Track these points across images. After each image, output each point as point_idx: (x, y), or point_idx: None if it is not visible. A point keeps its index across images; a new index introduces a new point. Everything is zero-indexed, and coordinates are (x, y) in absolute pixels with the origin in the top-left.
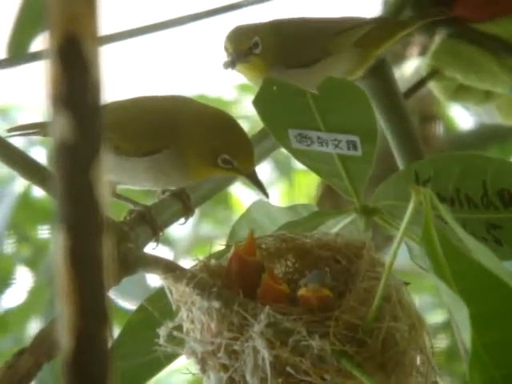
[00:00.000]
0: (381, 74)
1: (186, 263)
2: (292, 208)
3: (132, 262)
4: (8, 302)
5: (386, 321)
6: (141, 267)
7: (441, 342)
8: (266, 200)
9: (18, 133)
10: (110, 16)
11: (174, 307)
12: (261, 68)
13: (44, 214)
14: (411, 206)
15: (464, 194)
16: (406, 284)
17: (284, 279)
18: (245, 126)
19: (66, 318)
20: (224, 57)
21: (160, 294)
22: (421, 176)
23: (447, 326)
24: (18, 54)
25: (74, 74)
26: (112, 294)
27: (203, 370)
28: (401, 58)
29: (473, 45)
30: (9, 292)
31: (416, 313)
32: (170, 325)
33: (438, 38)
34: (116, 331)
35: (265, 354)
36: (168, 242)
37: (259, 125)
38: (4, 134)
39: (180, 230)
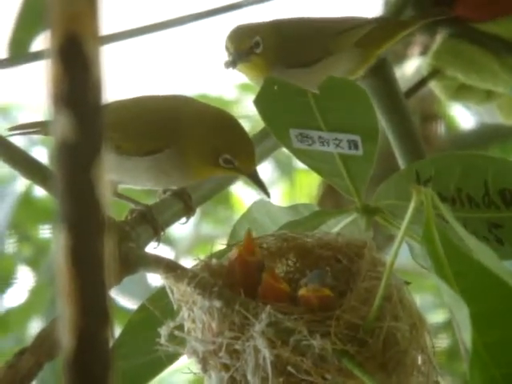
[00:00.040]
0: (382, 74)
1: (187, 263)
2: (293, 207)
3: (133, 262)
4: (9, 301)
5: (387, 320)
6: (142, 267)
7: (442, 342)
8: (267, 199)
9: (18, 132)
10: (111, 15)
11: (175, 307)
12: (262, 67)
13: (45, 214)
14: (412, 205)
15: (465, 194)
16: (407, 283)
17: (285, 279)
18: (246, 125)
19: (68, 317)
20: (225, 56)
21: (161, 293)
22: (422, 175)
23: (448, 326)
24: (19, 53)
25: (75, 73)
26: (113, 294)
27: (204, 369)
28: (402, 57)
29: (474, 44)
30: (10, 291)
31: (417, 312)
32: (172, 324)
33: (439, 38)
34: (117, 331)
35: (266, 353)
36: (169, 242)
37: (260, 124)
38: (5, 134)
39: (181, 229)
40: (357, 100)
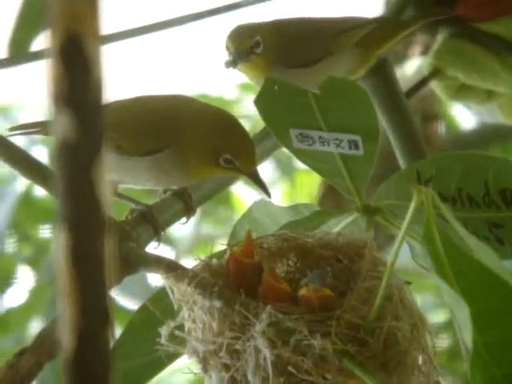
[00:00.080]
0: (382, 74)
1: (188, 263)
2: (293, 207)
3: (133, 262)
4: (9, 301)
5: (388, 320)
6: (142, 266)
7: (442, 342)
8: (267, 199)
9: (19, 132)
10: (111, 15)
11: (175, 307)
12: (262, 67)
13: (45, 214)
14: (413, 205)
15: (466, 194)
16: (408, 283)
17: (285, 279)
18: (246, 125)
19: (68, 317)
20: (225, 56)
21: (161, 293)
22: (422, 175)
23: (449, 326)
24: (19, 53)
25: (76, 73)
26: (113, 294)
27: (205, 369)
28: (402, 57)
29: (475, 44)
30: (10, 291)
31: (418, 312)
32: (172, 324)
33: (439, 38)
34: (117, 331)
35: (266, 353)
36: (169, 242)
37: (261, 124)
38: (5, 134)
39: (181, 229)
40: (357, 100)
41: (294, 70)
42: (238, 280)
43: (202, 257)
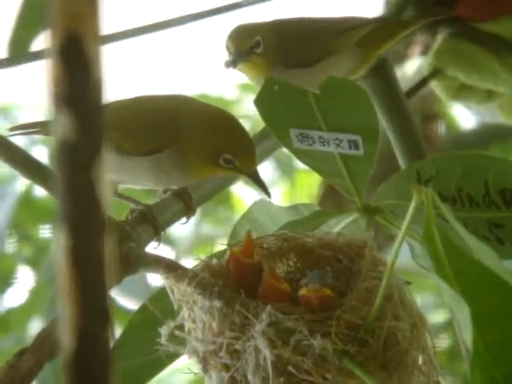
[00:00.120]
0: (383, 74)
1: (188, 263)
2: (293, 207)
3: (133, 262)
4: (9, 301)
5: (388, 320)
6: (142, 266)
7: (442, 342)
8: (267, 199)
9: (19, 132)
10: (111, 15)
11: (175, 307)
12: (262, 67)
13: (45, 214)
14: (413, 205)
15: (466, 194)
16: (408, 283)
17: (285, 279)
18: (246, 125)
19: (68, 317)
20: (225, 56)
21: (161, 293)
22: (422, 175)
23: (449, 326)
24: (19, 53)
25: (76, 73)
26: (113, 294)
27: (205, 369)
28: (403, 57)
29: (475, 44)
30: (10, 291)
31: (418, 312)
32: (172, 324)
33: (439, 38)
34: (117, 331)
35: (266, 353)
36: (169, 242)
37: (261, 124)
38: (6, 134)
39: (181, 229)
40: (357, 100)
41: (294, 70)
42: (237, 280)
43: (202, 257)
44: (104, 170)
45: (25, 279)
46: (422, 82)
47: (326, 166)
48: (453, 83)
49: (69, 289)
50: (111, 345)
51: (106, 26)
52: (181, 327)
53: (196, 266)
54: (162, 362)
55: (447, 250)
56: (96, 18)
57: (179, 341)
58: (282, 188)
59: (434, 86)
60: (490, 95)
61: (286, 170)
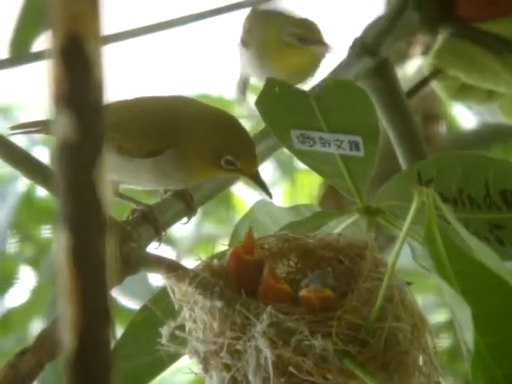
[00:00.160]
0: (383, 74)
1: (189, 263)
2: (294, 208)
3: (134, 262)
4: (11, 301)
5: (389, 321)
6: (143, 267)
7: (443, 342)
8: (268, 200)
9: (20, 131)
10: (112, 15)
11: (176, 307)
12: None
13: (47, 214)
14: (414, 206)
15: (466, 194)
16: (409, 284)
17: (286, 279)
18: (246, 125)
19: (69, 317)
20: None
21: (162, 293)
22: (423, 176)
23: (450, 326)
24: (20, 53)
25: (77, 73)
26: (114, 294)
27: (205, 369)
28: (403, 57)
29: (475, 44)
30: (11, 291)
31: (418, 313)
32: (173, 324)
33: (440, 38)
34: (118, 331)
35: (267, 353)
36: (170, 242)
37: (261, 124)
38: (7, 133)
39: (182, 229)
40: (358, 101)
41: None
42: (238, 277)
43: (203, 257)
44: (105, 171)
45: (26, 279)
46: (423, 82)
47: (327, 166)
48: (453, 83)
49: (70, 289)
50: (112, 345)
51: (107, 27)
52: (182, 327)
53: (197, 266)
54: (163, 362)
55: (448, 251)
56: (97, 19)
57: (180, 341)
58: (282, 188)
59: (435, 86)
60: (490, 95)
61: (287, 171)
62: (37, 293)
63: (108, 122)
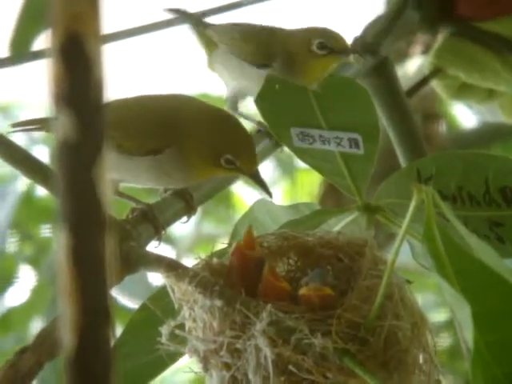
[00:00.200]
0: (384, 73)
1: (189, 262)
2: (294, 206)
3: (134, 261)
4: (10, 300)
5: (389, 319)
6: (143, 266)
7: (443, 341)
8: (268, 199)
9: (20, 128)
10: (112, 14)
11: (176, 306)
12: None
13: (46, 213)
14: (413, 204)
15: (466, 192)
16: (409, 282)
17: (286, 278)
18: (246, 124)
19: (69, 316)
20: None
21: (162, 292)
22: (423, 174)
23: (450, 325)
24: (21, 52)
25: (77, 72)
26: (114, 293)
27: (205, 368)
28: (404, 56)
29: (475, 43)
30: (11, 290)
31: (418, 311)
32: (172, 323)
33: (440, 37)
34: (118, 330)
35: (267, 352)
36: (170, 241)
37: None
38: (7, 132)
39: (182, 228)
40: (358, 98)
41: None
42: (241, 273)
43: (203, 256)
44: (105, 170)
45: (26, 278)
46: (423, 81)
47: (327, 164)
48: (454, 82)
49: (70, 288)
50: (112, 344)
51: (107, 26)
52: (181, 326)
53: (196, 265)
54: (163, 361)
55: (448, 249)
56: (97, 18)
57: (180, 340)
58: (282, 187)
59: (435, 85)
60: (490, 94)
61: (287, 169)
62: (37, 292)
63: (108, 121)
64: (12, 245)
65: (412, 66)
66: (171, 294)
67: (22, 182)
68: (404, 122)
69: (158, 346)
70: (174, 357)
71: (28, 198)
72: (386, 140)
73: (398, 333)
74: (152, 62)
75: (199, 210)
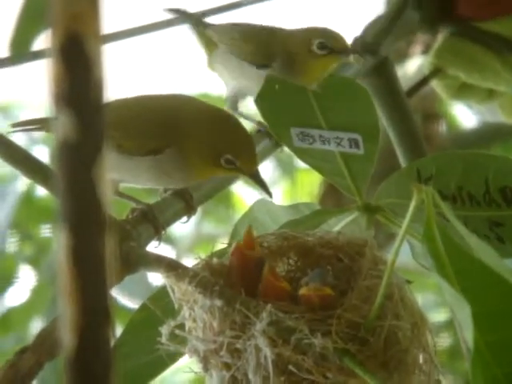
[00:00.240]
0: (384, 73)
1: (188, 262)
2: (294, 206)
3: (134, 261)
4: (10, 300)
5: (389, 319)
6: (143, 266)
7: (443, 341)
8: (268, 199)
9: (20, 128)
10: (112, 14)
11: (176, 306)
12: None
13: (46, 213)
14: (413, 204)
15: (466, 192)
16: (409, 282)
17: (286, 278)
18: (246, 124)
19: (69, 316)
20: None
21: (162, 292)
22: (423, 174)
23: (450, 325)
24: (21, 52)
25: (77, 72)
26: (114, 293)
27: (205, 368)
28: (404, 56)
29: (475, 43)
30: (11, 290)
31: (418, 311)
32: (172, 323)
33: (440, 37)
34: (118, 330)
35: (267, 352)
36: (170, 241)
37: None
38: (7, 132)
39: (182, 228)
40: (358, 99)
41: None
42: (241, 273)
43: (203, 256)
44: (105, 170)
45: (26, 278)
46: (423, 81)
47: (327, 164)
48: (454, 82)
49: (70, 288)
50: (112, 344)
51: (107, 26)
52: (181, 326)
53: (196, 265)
54: (163, 361)
55: (448, 249)
56: (97, 18)
57: (180, 340)
58: (282, 187)
59: (435, 85)
60: (490, 94)
61: (287, 169)
62: (37, 292)
63: (108, 121)
64: (12, 245)
65: (412, 66)
66: (171, 294)
67: (22, 182)
68: (404, 122)
69: (158, 346)
70: (174, 357)
71: (28, 198)
72: (386, 140)
73: (398, 333)
74: (152, 61)
75: (199, 209)
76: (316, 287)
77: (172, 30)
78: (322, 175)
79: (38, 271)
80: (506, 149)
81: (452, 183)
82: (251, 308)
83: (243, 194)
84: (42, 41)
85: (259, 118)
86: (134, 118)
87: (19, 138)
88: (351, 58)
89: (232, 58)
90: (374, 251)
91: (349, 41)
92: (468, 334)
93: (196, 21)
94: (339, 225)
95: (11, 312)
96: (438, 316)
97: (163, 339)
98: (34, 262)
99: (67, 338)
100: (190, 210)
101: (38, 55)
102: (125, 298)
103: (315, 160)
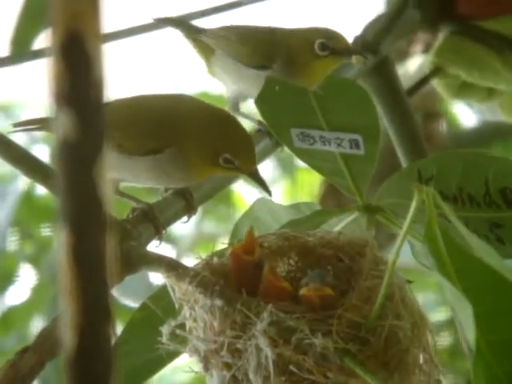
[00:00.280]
0: (384, 72)
1: (189, 261)
2: (295, 206)
3: (135, 260)
4: (11, 299)
5: (389, 319)
6: (143, 265)
7: (444, 340)
8: (268, 198)
9: (21, 128)
10: (112, 13)
11: (176, 305)
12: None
13: (47, 212)
14: (414, 204)
15: (466, 193)
16: (409, 282)
17: (286, 278)
18: (246, 124)
19: (69, 315)
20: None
21: (163, 292)
22: (423, 174)
23: (450, 324)
24: (21, 51)
25: (77, 71)
26: (115, 292)
27: (206, 368)
28: (404, 55)
29: (476, 42)
30: (12, 289)
31: (419, 311)
32: (173, 323)
33: (441, 36)
34: (119, 329)
35: (268, 352)
36: (171, 240)
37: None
38: (7, 131)
39: (183, 227)
40: (358, 99)
41: None
42: (238, 277)
43: (203, 255)
44: (105, 169)
45: (26, 277)
46: (424, 80)
47: (327, 165)
48: (454, 81)
49: (70, 287)
50: (112, 343)
51: (107, 25)
52: (182, 326)
53: (197, 264)
54: (162, 359)
55: (449, 249)
56: (97, 17)
57: (180, 339)
58: (283, 186)
59: (436, 84)
60: (491, 93)
61: (287, 169)
62: (37, 291)
63: (108, 120)
64: (12, 244)
65: (412, 65)
66: (172, 294)
67: (23, 182)
68: (404, 122)
69: (158, 345)
70: (173, 355)
71: (28, 197)
72: (386, 140)
73: (398, 333)
74: (152, 61)
75: (200, 209)
76: (316, 287)
77: (172, 30)
78: (323, 176)
79: (39, 270)
80: (506, 148)
81: (453, 184)
82: (252, 308)
83: (244, 192)
84: (43, 40)
85: (259, 117)
86: (133, 117)
87: (19, 138)
88: (353, 58)
89: (230, 62)
90: (375, 251)
91: (349, 40)
92: (469, 334)
93: (188, 28)
94: (340, 225)
95: (12, 311)
96: (438, 315)
97: (164, 339)
98: (35, 260)
99: (68, 337)
100: (190, 210)
101: (38, 54)
102: (125, 297)
103: (316, 160)
